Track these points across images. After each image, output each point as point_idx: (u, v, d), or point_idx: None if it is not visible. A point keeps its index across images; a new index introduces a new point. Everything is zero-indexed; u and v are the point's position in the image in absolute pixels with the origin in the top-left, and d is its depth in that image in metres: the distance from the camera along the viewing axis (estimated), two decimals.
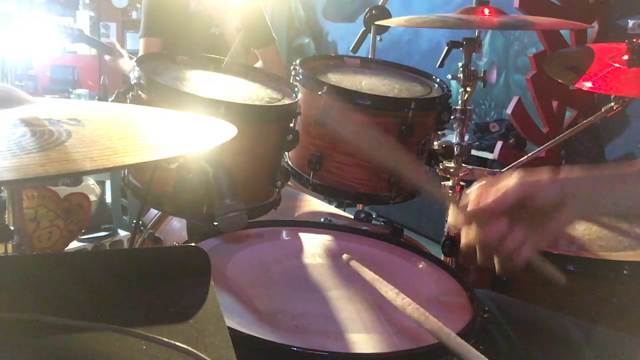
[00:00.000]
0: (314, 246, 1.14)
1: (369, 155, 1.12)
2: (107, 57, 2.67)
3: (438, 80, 1.48)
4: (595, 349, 0.92)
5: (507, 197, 0.77)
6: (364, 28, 2.17)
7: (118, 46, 2.64)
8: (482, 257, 0.80)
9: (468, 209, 0.80)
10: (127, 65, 2.59)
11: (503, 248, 0.77)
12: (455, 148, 1.63)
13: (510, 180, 0.78)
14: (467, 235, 0.80)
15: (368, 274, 0.93)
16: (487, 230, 0.78)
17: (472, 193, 0.81)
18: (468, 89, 1.67)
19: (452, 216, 0.84)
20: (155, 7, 2.35)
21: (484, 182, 0.81)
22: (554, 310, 1.04)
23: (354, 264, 0.97)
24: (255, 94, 1.21)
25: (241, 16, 2.43)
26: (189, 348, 0.52)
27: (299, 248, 1.13)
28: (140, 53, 2.36)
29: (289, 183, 1.35)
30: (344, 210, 1.60)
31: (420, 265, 1.11)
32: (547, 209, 0.77)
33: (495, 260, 0.79)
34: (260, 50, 2.53)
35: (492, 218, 0.77)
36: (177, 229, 1.43)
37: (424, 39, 4.48)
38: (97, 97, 4.40)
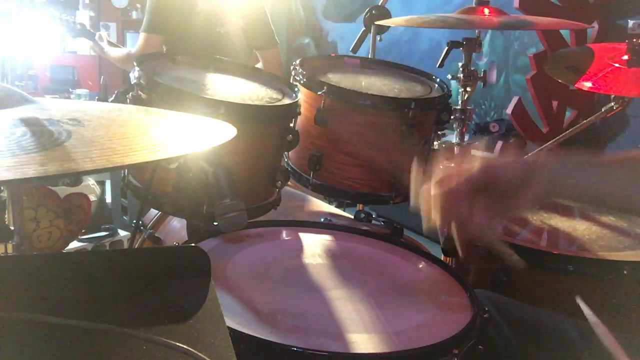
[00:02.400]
0: (314, 246, 1.14)
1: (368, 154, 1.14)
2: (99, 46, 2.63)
3: (438, 80, 1.48)
4: (593, 349, 0.92)
5: (471, 180, 0.80)
6: (364, 28, 2.17)
7: (104, 38, 2.61)
8: (441, 224, 0.83)
9: (433, 192, 0.83)
10: (114, 52, 2.57)
11: (474, 222, 0.80)
12: (455, 148, 1.63)
13: (473, 162, 0.81)
14: (441, 213, 0.83)
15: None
16: (457, 207, 0.81)
17: (435, 173, 0.84)
18: (468, 89, 1.67)
19: (415, 197, 0.87)
20: (160, 3, 2.32)
21: (445, 159, 0.86)
22: (553, 311, 1.04)
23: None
24: (255, 94, 1.21)
25: (246, 16, 2.44)
26: (189, 348, 0.52)
27: (299, 248, 1.13)
28: (139, 46, 2.34)
29: (289, 183, 1.35)
30: (344, 210, 1.60)
31: (420, 265, 1.11)
32: (509, 190, 0.79)
33: (453, 226, 0.83)
34: (262, 52, 2.53)
35: (455, 200, 0.81)
36: (177, 229, 1.43)
37: (424, 39, 4.48)
38: (97, 97, 4.40)
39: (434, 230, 0.83)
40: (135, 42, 2.40)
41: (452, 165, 0.84)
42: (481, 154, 0.83)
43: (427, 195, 0.84)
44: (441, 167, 0.85)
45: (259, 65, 2.53)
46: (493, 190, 0.79)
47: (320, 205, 1.57)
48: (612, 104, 1.70)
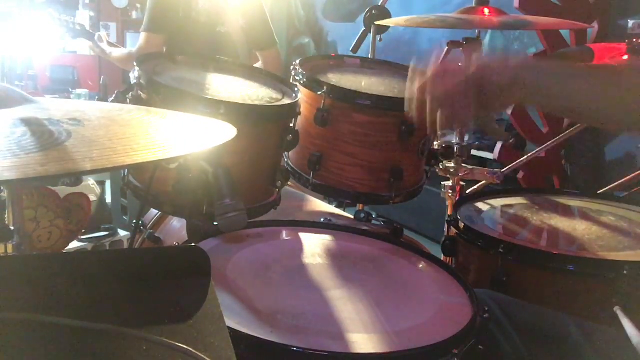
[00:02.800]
0: (314, 246, 1.14)
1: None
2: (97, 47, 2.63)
3: None
4: (597, 350, 0.92)
5: (464, 82, 0.88)
6: (364, 28, 2.17)
7: (104, 38, 2.61)
8: (430, 116, 0.91)
9: (427, 95, 0.91)
10: (115, 53, 2.57)
11: (459, 101, 0.89)
12: (455, 148, 1.63)
13: (466, 65, 0.89)
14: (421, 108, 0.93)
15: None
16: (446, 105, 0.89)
17: (430, 66, 0.92)
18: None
19: (410, 92, 0.96)
20: (161, 3, 2.32)
21: (439, 63, 0.93)
22: (554, 310, 1.04)
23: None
24: (255, 94, 1.21)
25: (246, 16, 2.44)
26: (189, 348, 0.52)
27: (299, 248, 1.13)
28: (140, 46, 2.33)
29: (289, 183, 1.35)
30: (344, 210, 1.60)
31: (420, 265, 1.11)
32: (496, 91, 0.87)
33: (439, 115, 0.90)
34: (262, 53, 2.53)
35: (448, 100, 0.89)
36: (177, 229, 1.43)
37: (424, 39, 4.48)
38: (97, 97, 4.40)
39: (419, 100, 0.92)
40: (135, 42, 2.40)
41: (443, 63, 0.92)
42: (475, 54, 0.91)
43: (420, 93, 0.93)
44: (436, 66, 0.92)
45: (259, 65, 2.53)
46: (484, 87, 0.88)
47: (320, 205, 1.57)
48: None
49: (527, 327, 0.98)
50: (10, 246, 0.99)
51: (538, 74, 0.89)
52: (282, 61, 2.62)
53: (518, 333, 0.97)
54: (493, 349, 0.93)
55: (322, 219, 1.34)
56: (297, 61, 1.39)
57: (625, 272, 1.06)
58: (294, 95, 1.23)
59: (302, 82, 1.32)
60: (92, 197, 2.51)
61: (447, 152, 1.51)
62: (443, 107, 0.90)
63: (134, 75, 1.12)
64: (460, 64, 0.91)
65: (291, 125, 1.20)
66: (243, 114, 1.09)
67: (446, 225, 1.42)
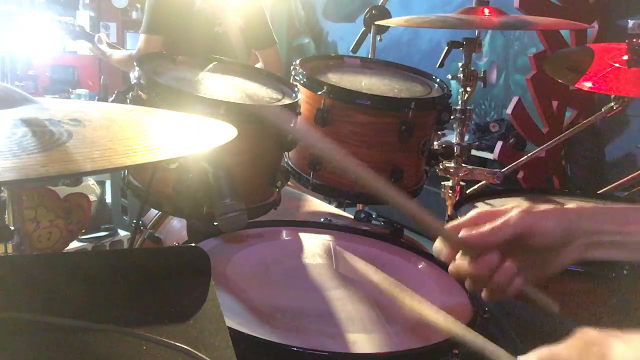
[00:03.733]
0: (314, 246, 1.14)
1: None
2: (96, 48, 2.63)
3: (438, 80, 1.48)
4: None
5: (504, 230, 0.71)
6: (364, 28, 2.17)
7: (103, 40, 2.61)
8: (471, 286, 0.76)
9: (460, 234, 0.74)
10: (115, 55, 2.57)
11: (493, 281, 0.72)
12: (455, 148, 1.63)
13: (511, 211, 0.72)
14: (456, 265, 0.76)
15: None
16: (477, 263, 0.73)
17: (466, 217, 0.75)
18: (468, 89, 1.67)
19: (441, 240, 0.77)
20: (159, 4, 2.33)
21: (481, 210, 0.76)
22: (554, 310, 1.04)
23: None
24: (255, 94, 1.21)
25: (244, 16, 2.44)
26: (189, 348, 0.52)
27: (299, 248, 1.13)
28: (140, 48, 2.34)
29: (289, 183, 1.35)
30: (344, 210, 1.60)
31: (420, 265, 1.11)
32: (547, 246, 0.71)
33: (485, 290, 0.76)
34: (261, 52, 2.53)
35: (484, 250, 0.72)
36: (177, 229, 1.43)
37: (424, 39, 4.48)
38: (97, 97, 4.39)
39: (461, 276, 0.77)
40: (135, 42, 2.40)
41: (485, 210, 0.76)
42: (513, 206, 0.73)
43: (451, 239, 0.76)
44: (468, 226, 0.75)
45: (259, 65, 2.53)
46: (526, 245, 0.72)
47: (320, 205, 1.57)
48: (612, 104, 1.70)
49: (527, 326, 0.98)
50: (10, 246, 0.99)
51: (593, 215, 0.73)
52: (282, 60, 2.62)
53: (518, 333, 0.97)
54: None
55: (322, 219, 1.34)
56: (297, 61, 1.39)
57: (625, 272, 1.06)
58: (294, 95, 1.23)
59: (302, 82, 1.32)
60: (92, 197, 2.51)
61: (447, 152, 1.51)
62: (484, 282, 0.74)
63: (134, 75, 1.12)
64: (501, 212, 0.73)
65: (291, 125, 1.20)
66: (243, 114, 1.09)
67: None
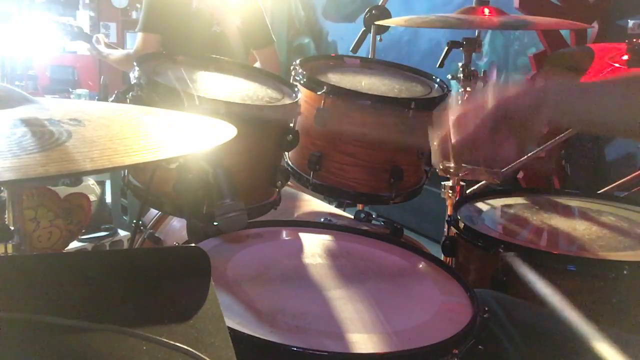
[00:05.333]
0: (314, 246, 1.14)
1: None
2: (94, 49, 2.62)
3: (438, 80, 1.48)
4: (599, 350, 0.91)
5: (487, 119, 0.84)
6: (364, 28, 2.17)
7: (101, 40, 2.61)
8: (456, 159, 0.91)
9: (453, 141, 0.87)
10: (113, 55, 2.57)
11: (488, 150, 0.86)
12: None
13: (485, 101, 0.85)
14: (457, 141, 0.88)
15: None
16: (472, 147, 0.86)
17: (451, 115, 0.88)
18: (468, 89, 1.67)
19: (435, 154, 0.92)
20: (156, 3, 2.33)
21: (457, 108, 0.89)
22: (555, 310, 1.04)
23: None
24: (255, 94, 1.21)
25: (242, 16, 2.44)
26: (189, 348, 0.52)
27: (299, 248, 1.13)
28: (137, 47, 2.34)
29: (289, 183, 1.35)
30: (344, 210, 1.60)
31: (420, 265, 1.11)
32: (523, 119, 0.85)
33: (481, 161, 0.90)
34: (258, 51, 2.53)
35: (477, 141, 0.85)
36: (177, 229, 1.43)
37: (424, 39, 4.48)
38: (97, 97, 4.39)
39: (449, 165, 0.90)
40: (134, 42, 2.40)
41: (461, 107, 0.89)
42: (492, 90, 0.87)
43: (444, 142, 0.89)
44: (455, 111, 0.89)
45: (257, 64, 2.53)
46: (510, 122, 0.84)
47: (320, 205, 1.57)
48: None
49: (529, 326, 0.98)
50: (10, 246, 0.99)
51: (557, 93, 0.87)
52: (279, 60, 2.62)
53: (519, 332, 0.97)
54: (494, 348, 0.93)
55: (322, 219, 1.34)
56: (297, 61, 1.39)
57: (625, 272, 1.06)
58: (294, 95, 1.23)
59: (302, 82, 1.32)
60: (92, 197, 2.51)
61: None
62: (473, 150, 0.88)
63: (133, 75, 1.12)
64: (478, 102, 0.87)
65: (291, 125, 1.20)
66: (243, 114, 1.09)
67: (446, 225, 1.42)
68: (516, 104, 0.85)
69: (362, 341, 0.80)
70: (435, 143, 0.92)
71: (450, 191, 1.71)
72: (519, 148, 0.85)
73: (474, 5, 1.61)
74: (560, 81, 0.91)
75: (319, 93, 1.27)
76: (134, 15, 7.03)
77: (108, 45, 2.63)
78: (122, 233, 2.90)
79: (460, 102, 0.91)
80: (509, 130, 0.84)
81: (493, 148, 0.85)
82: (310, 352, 0.75)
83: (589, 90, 0.90)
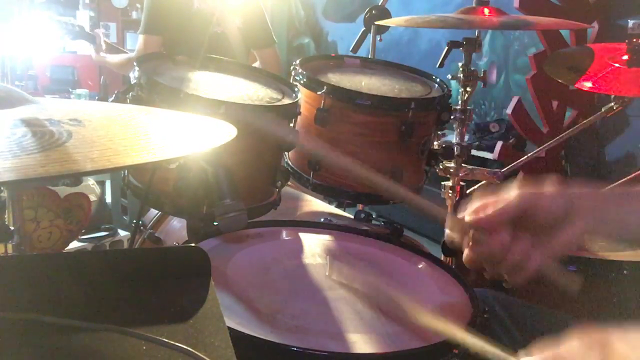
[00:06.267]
0: (314, 246, 1.14)
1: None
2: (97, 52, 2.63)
3: (438, 80, 1.48)
4: None
5: (509, 209, 0.74)
6: (364, 28, 2.17)
7: (101, 36, 2.61)
8: (489, 270, 0.78)
9: (467, 219, 0.77)
10: (115, 59, 2.58)
11: (509, 258, 0.74)
12: (455, 148, 1.63)
13: (511, 192, 0.75)
14: (470, 250, 0.77)
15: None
16: (489, 241, 0.75)
17: (471, 204, 0.77)
18: (468, 89, 1.67)
19: (450, 226, 0.80)
20: (157, 4, 2.33)
21: (483, 193, 0.78)
22: (553, 311, 1.04)
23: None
24: (255, 94, 1.21)
25: (243, 16, 2.44)
26: (189, 348, 0.52)
27: (299, 248, 1.13)
28: (139, 49, 2.35)
29: (289, 183, 1.35)
30: (344, 210, 1.60)
31: (420, 265, 1.11)
32: (551, 223, 0.73)
33: (504, 273, 0.77)
34: (259, 52, 2.53)
35: (493, 229, 0.74)
36: (177, 229, 1.43)
37: (424, 39, 4.48)
38: (97, 97, 4.40)
39: (476, 262, 0.78)
40: (135, 42, 2.41)
41: (487, 193, 0.78)
42: (520, 187, 0.76)
43: (459, 223, 0.78)
44: (478, 198, 0.78)
45: (256, 64, 2.53)
46: (532, 223, 0.74)
47: (320, 205, 1.57)
48: (612, 104, 1.70)
49: (529, 326, 0.98)
50: (10, 246, 0.99)
51: (594, 197, 0.76)
52: (280, 60, 2.62)
53: (520, 332, 0.97)
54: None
55: (322, 219, 1.34)
56: (297, 61, 1.39)
57: (625, 272, 1.06)
58: (294, 95, 1.23)
59: (302, 82, 1.32)
60: (92, 197, 2.51)
61: (447, 152, 1.51)
62: (500, 263, 0.76)
63: (134, 75, 1.12)
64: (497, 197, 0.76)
65: (291, 125, 1.20)
66: (243, 114, 1.09)
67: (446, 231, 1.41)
68: (542, 205, 0.74)
69: (361, 341, 0.80)
70: (449, 217, 0.81)
71: (450, 191, 1.72)
72: (541, 252, 0.74)
73: (474, 5, 1.61)
74: (591, 189, 0.78)
75: (319, 93, 1.27)
76: (134, 15, 7.03)
77: (108, 44, 2.63)
78: (122, 233, 2.91)
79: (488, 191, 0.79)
80: (527, 231, 0.74)
81: (507, 243, 0.74)
82: (310, 352, 0.75)
83: (627, 198, 0.78)
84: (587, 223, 0.74)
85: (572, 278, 0.78)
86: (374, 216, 1.44)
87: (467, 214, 0.77)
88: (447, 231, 0.80)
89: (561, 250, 0.75)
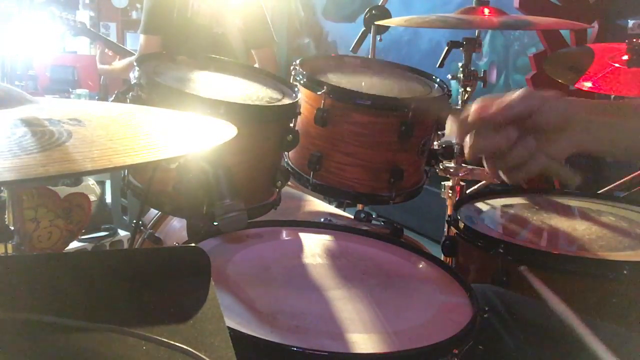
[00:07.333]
0: (314, 246, 1.14)
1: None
2: (109, 52, 2.66)
3: (438, 80, 1.48)
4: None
5: (512, 107, 0.75)
6: (364, 28, 2.17)
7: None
8: (489, 165, 0.79)
9: (469, 119, 0.77)
10: (118, 65, 2.59)
11: (514, 154, 0.75)
12: (455, 148, 1.63)
13: (515, 92, 0.76)
14: (474, 141, 0.77)
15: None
16: (494, 137, 0.75)
17: (474, 105, 0.78)
18: (468, 89, 1.67)
19: (452, 126, 0.80)
20: (157, 5, 2.34)
21: (483, 97, 0.80)
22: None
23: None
24: (255, 94, 1.21)
25: (243, 17, 2.44)
26: (189, 348, 0.52)
27: (299, 248, 1.13)
28: (140, 50, 2.35)
29: (289, 183, 1.35)
30: (344, 210, 1.60)
31: (420, 265, 1.11)
32: (552, 128, 0.75)
33: (503, 171, 0.78)
34: (257, 51, 2.53)
35: (497, 127, 0.75)
36: (177, 229, 1.43)
37: (424, 39, 4.48)
38: (97, 97, 4.40)
39: (477, 156, 0.79)
40: (135, 42, 2.42)
41: (489, 96, 0.79)
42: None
43: (462, 122, 0.78)
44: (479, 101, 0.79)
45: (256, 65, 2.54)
46: (534, 126, 0.75)
47: (320, 205, 1.57)
48: None
49: (530, 322, 0.98)
50: (10, 246, 0.99)
51: (589, 110, 0.78)
52: (277, 61, 2.62)
53: (521, 328, 0.96)
54: (496, 344, 0.93)
55: (322, 219, 1.34)
56: (297, 61, 1.39)
57: (625, 272, 1.06)
58: (294, 95, 1.23)
59: (302, 82, 1.32)
60: (92, 197, 2.51)
61: (447, 152, 1.51)
62: (503, 160, 0.77)
63: (134, 75, 1.12)
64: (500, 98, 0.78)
65: (291, 125, 1.20)
66: (243, 114, 1.09)
67: (446, 225, 1.42)
68: (542, 107, 0.75)
69: (362, 341, 0.80)
70: (451, 117, 0.82)
71: (450, 191, 1.72)
72: (544, 152, 0.76)
73: (474, 5, 1.61)
74: (588, 102, 0.81)
75: (319, 93, 1.27)
76: (134, 15, 7.03)
77: (109, 45, 2.64)
78: (122, 233, 2.91)
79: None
80: (529, 131, 0.75)
81: (513, 140, 0.75)
82: (310, 352, 0.75)
83: (621, 120, 0.79)
84: (579, 136, 0.77)
85: (572, 174, 0.80)
86: (374, 216, 1.44)
87: (471, 112, 0.77)
88: (446, 132, 0.82)
89: (560, 155, 0.77)
